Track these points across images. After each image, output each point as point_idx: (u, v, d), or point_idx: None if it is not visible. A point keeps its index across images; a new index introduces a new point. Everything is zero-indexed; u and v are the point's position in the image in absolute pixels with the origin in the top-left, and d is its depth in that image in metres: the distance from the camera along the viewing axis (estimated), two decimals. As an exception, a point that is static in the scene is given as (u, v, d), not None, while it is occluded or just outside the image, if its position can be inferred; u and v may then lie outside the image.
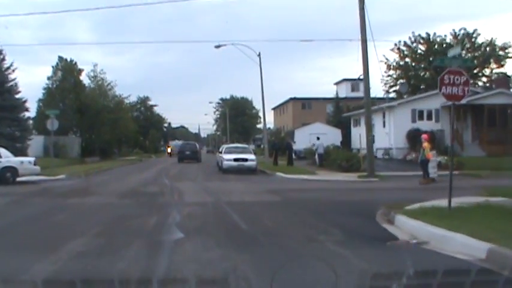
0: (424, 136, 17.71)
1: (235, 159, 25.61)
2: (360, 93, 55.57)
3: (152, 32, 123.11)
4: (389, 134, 32.57)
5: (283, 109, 63.57)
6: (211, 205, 11.92)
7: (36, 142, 36.73)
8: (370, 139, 22.24)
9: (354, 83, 57.31)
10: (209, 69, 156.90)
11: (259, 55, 33.12)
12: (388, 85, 48.25)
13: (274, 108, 65.93)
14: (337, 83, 58.55)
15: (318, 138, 28.88)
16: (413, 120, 32.48)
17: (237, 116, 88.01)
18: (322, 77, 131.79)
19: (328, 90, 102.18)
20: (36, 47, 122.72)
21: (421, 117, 32.75)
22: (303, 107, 57.80)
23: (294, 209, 11.32)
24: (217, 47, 33.05)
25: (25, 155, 28.63)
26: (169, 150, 67.97)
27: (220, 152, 29.10)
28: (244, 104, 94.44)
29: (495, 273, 4.87)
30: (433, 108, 32.61)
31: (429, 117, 32.78)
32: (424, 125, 31.76)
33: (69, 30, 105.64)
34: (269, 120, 57.79)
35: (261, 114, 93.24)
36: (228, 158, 25.94)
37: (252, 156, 26.36)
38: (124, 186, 17.86)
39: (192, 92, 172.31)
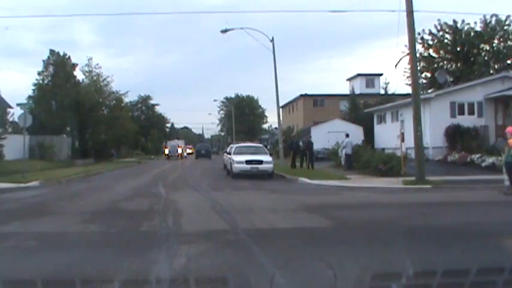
0: (509, 130, 12.99)
1: (248, 162, 20.93)
2: (376, 89, 52.02)
3: (156, 34, 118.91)
4: (424, 131, 27.78)
5: (292, 107, 59.26)
6: (226, 239, 7.24)
7: (18, 142, 32.38)
8: (420, 135, 17.72)
9: (368, 78, 53.36)
10: (213, 70, 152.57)
11: (272, 40, 28.62)
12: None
13: (282, 106, 61.25)
14: (350, 79, 54.63)
15: (347, 136, 24.00)
16: (453, 115, 27.84)
17: (242, 116, 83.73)
18: (325, 77, 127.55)
19: (333, 89, 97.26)
20: (40, 49, 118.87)
21: (461, 112, 28.09)
22: (315, 104, 54.11)
23: (369, 249, 6.60)
24: (224, 31, 28.56)
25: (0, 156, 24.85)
26: (166, 151, 60.41)
27: (229, 153, 24.11)
28: (249, 103, 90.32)
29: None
30: (475, 101, 28.04)
31: (471, 112, 28.13)
32: (466, 120, 27.35)
33: (73, 32, 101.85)
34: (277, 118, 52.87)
35: (267, 113, 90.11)
36: (239, 160, 21.25)
37: (268, 158, 21.65)
38: (103, 199, 13.26)
39: (196, 93, 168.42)
